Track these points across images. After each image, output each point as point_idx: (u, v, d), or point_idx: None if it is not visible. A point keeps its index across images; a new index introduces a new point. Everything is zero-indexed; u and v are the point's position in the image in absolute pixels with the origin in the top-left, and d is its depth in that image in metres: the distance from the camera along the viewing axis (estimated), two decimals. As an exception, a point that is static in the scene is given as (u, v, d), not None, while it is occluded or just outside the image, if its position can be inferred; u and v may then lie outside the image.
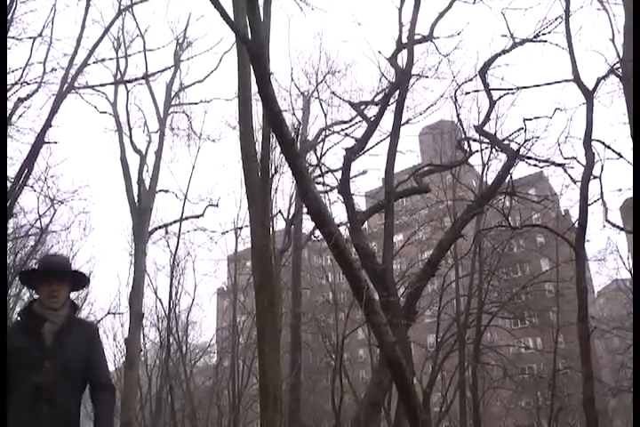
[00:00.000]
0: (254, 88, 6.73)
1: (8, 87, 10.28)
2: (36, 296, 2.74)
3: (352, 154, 8.12)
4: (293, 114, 13.15)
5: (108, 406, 2.65)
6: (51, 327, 2.57)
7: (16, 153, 14.89)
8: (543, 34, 9.39)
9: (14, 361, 2.47)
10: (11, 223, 12.37)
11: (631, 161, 7.25)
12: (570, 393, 15.91)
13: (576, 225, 9.72)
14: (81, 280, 2.85)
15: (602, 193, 9.76)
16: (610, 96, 9.92)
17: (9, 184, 9.16)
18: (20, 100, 10.18)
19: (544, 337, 20.00)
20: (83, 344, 2.63)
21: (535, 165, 9.57)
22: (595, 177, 9.49)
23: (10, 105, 10.34)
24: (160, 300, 19.15)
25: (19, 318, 2.69)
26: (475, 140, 10.13)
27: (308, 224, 14.46)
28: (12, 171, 9.96)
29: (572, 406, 15.69)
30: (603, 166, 9.62)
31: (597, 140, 9.54)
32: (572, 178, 9.77)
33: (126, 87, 14.53)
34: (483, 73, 9.39)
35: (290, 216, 14.09)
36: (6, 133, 8.38)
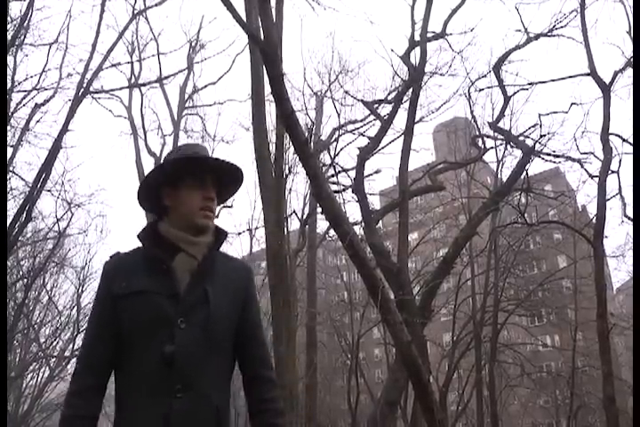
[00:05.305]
0: (267, 89, 6.78)
1: (25, 93, 10.47)
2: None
3: (366, 153, 8.12)
4: (307, 114, 13.14)
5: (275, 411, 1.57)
6: (185, 263, 1.52)
7: (34, 158, 15.21)
8: (558, 28, 9.30)
9: (128, 314, 1.47)
10: (29, 227, 12.58)
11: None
12: (589, 391, 15.67)
13: (594, 221, 9.60)
14: (237, 182, 1.68)
15: (620, 188, 9.62)
16: (627, 89, 9.78)
17: (27, 189, 9.31)
18: (38, 106, 10.33)
19: (562, 335, 19.74)
20: (235, 295, 1.58)
21: (551, 161, 9.48)
22: (612, 172, 9.34)
23: (27, 111, 10.52)
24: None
25: (136, 248, 1.58)
26: (489, 137, 10.06)
27: (322, 224, 14.48)
28: (30, 176, 10.15)
29: (592, 404, 15.47)
30: (620, 161, 9.46)
31: (615, 135, 9.40)
32: (589, 173, 9.66)
33: (140, 91, 14.69)
34: (497, 69, 9.31)
35: (304, 216, 14.12)
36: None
